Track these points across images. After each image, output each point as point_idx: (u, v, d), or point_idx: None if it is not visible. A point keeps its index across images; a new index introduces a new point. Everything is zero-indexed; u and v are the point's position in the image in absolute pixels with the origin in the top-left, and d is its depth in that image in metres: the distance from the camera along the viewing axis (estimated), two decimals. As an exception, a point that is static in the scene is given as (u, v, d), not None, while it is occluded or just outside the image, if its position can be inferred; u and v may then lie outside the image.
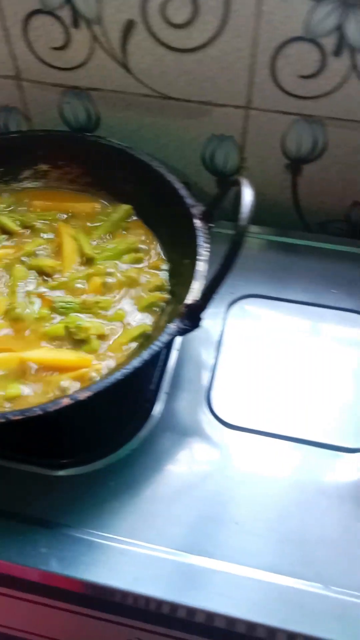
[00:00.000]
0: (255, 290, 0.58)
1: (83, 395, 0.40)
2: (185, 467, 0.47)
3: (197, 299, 0.43)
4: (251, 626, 0.40)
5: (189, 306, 0.43)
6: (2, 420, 0.38)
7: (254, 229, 0.64)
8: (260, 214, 0.65)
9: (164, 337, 0.43)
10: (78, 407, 0.40)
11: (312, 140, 0.58)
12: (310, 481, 0.46)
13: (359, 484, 0.46)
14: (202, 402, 0.51)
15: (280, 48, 0.51)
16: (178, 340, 0.55)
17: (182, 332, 0.44)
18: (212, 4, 0.50)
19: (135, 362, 0.42)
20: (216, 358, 0.53)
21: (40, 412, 0.39)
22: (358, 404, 0.50)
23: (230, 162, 0.62)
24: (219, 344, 0.54)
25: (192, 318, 0.43)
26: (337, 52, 0.50)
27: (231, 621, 0.40)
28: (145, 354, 0.42)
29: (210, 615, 0.40)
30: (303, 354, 0.54)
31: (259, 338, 0.55)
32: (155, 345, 0.42)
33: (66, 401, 0.39)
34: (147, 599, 0.41)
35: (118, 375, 0.41)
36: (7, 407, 0.43)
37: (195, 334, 0.55)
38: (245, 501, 0.45)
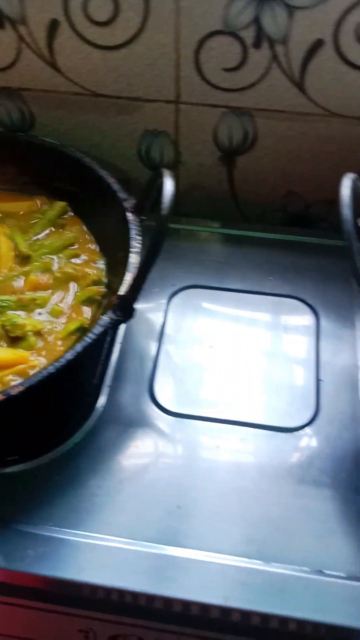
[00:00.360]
0: (195, 281, 0.59)
1: (16, 390, 0.40)
2: (130, 456, 0.48)
3: (128, 290, 0.44)
4: (188, 605, 0.41)
5: (120, 297, 0.44)
6: None
7: (194, 221, 0.66)
8: (199, 207, 0.67)
9: (97, 329, 0.43)
10: (15, 403, 0.41)
11: (243, 132, 0.59)
12: (250, 462, 0.47)
13: (296, 462, 0.47)
14: (144, 392, 0.51)
15: (202, 42, 0.52)
16: (120, 334, 0.55)
17: (115, 323, 0.44)
18: (132, 1, 0.51)
19: (68, 355, 0.42)
20: (158, 349, 0.54)
21: (-28, 410, 0.39)
22: (294, 386, 0.52)
23: (166, 157, 0.63)
24: (161, 335, 0.55)
25: (124, 309, 0.44)
26: (257, 44, 0.52)
27: (168, 602, 0.41)
28: (79, 347, 0.42)
29: (151, 598, 0.41)
30: (242, 340, 0.55)
31: (200, 327, 0.56)
32: (89, 338, 0.43)
33: (-1, 397, 0.40)
34: (95, 588, 0.42)
35: (51, 369, 0.41)
36: None
37: (137, 327, 0.56)
38: (189, 486, 0.46)
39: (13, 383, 0.45)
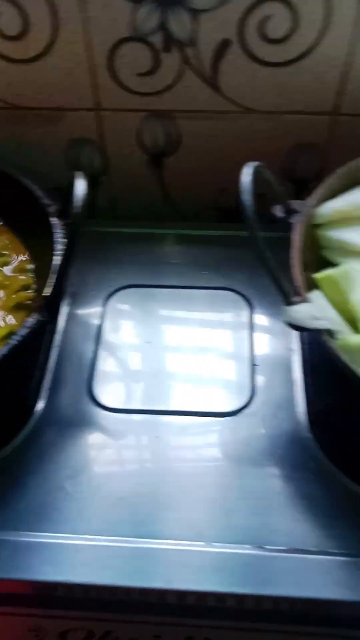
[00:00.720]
0: (132, 281, 0.61)
1: None
2: (71, 456, 0.48)
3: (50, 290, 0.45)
4: (130, 592, 0.41)
5: (42, 298, 0.45)
6: None
7: (130, 223, 0.67)
8: (134, 209, 0.69)
9: (22, 331, 0.44)
10: None
11: (166, 134, 0.61)
12: (189, 448, 0.49)
13: (234, 444, 0.49)
14: (83, 393, 0.52)
15: (114, 49, 0.54)
16: (58, 338, 0.56)
17: (42, 323, 0.45)
18: (40, 15, 0.52)
19: (-6, 359, 0.43)
20: (96, 350, 0.55)
21: None
22: (230, 373, 0.53)
23: (95, 164, 0.64)
24: (98, 336, 0.56)
25: (49, 309, 0.45)
26: (167, 48, 0.54)
27: (113, 591, 0.41)
28: (4, 349, 0.43)
29: (97, 589, 0.42)
30: (178, 333, 0.57)
31: (137, 325, 0.58)
32: (14, 339, 0.44)
33: None
34: (38, 585, 0.42)
35: (-24, 373, 0.42)
36: None
37: (74, 330, 0.57)
38: (129, 477, 0.47)
39: None
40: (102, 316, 0.58)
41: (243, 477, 0.47)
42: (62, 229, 0.51)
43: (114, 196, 0.67)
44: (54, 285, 0.44)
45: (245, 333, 0.56)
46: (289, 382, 0.52)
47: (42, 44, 0.54)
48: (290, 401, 0.51)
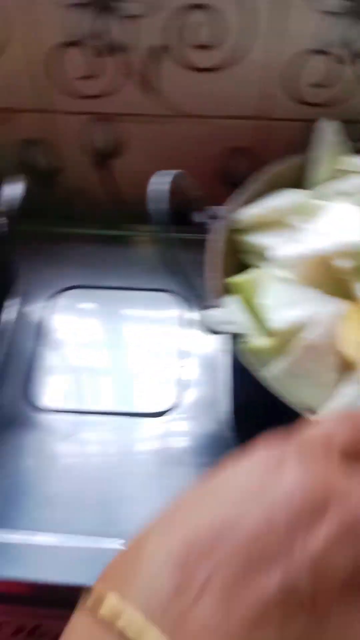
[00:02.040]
0: (76, 282, 0.62)
1: None
2: (3, 454, 0.49)
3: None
4: (54, 588, 0.42)
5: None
6: None
7: (79, 224, 0.67)
8: (83, 211, 0.69)
9: None
10: None
11: (110, 137, 0.62)
12: (116, 449, 0.50)
13: (159, 444, 0.50)
14: (19, 392, 0.53)
15: (52, 52, 0.55)
16: (6, 334, 0.57)
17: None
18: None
19: None
20: (34, 349, 0.56)
21: None
22: (160, 374, 0.54)
23: (49, 165, 0.65)
24: (39, 335, 0.57)
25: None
26: (111, 51, 0.55)
27: (47, 588, 0.42)
28: None
29: (20, 584, 0.43)
30: (115, 335, 0.58)
31: (78, 325, 0.59)
32: None
33: None
34: None
35: None
36: None
37: (18, 329, 0.58)
38: (58, 476, 0.48)
39: None
40: (44, 316, 0.59)
41: (166, 477, 0.48)
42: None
43: (63, 197, 0.68)
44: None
45: (176, 335, 0.57)
46: (216, 382, 0.53)
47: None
48: (216, 401, 0.52)
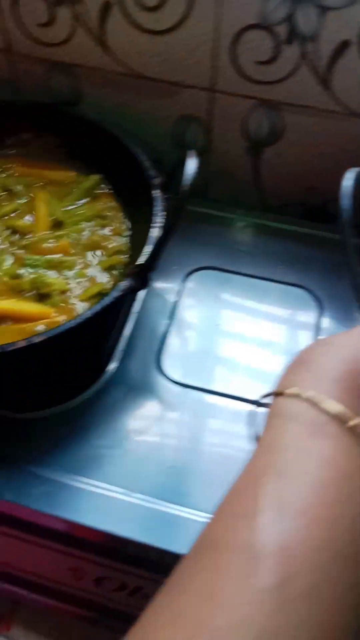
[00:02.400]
0: (211, 263, 0.63)
1: (38, 339, 0.45)
2: (133, 417, 0.52)
3: (145, 260, 0.49)
4: (171, 556, 0.45)
5: (137, 266, 0.49)
6: (-35, 355, 0.44)
7: (219, 206, 0.69)
8: (225, 193, 0.71)
9: (115, 293, 0.48)
10: (35, 351, 0.46)
11: (270, 125, 0.62)
12: (241, 433, 0.51)
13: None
14: (152, 361, 0.56)
15: (240, 34, 0.55)
16: (137, 306, 0.60)
17: (132, 290, 0.49)
18: (179, -10, 0.54)
19: (88, 313, 0.47)
20: (169, 322, 0.59)
21: (-3, 351, 0.45)
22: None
23: (198, 142, 0.66)
24: (173, 311, 0.60)
25: (140, 277, 0.49)
26: (289, 40, 0.54)
27: (153, 551, 0.45)
28: (97, 306, 0.47)
29: (138, 545, 0.46)
30: (247, 321, 0.59)
31: (210, 307, 0.60)
32: (107, 299, 0.48)
33: (21, 343, 0.45)
34: (85, 529, 0.46)
35: (71, 323, 0.47)
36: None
37: (151, 301, 0.60)
38: (184, 449, 0.51)
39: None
40: (180, 292, 0.61)
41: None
42: (163, 202, 0.54)
43: (209, 177, 0.69)
44: (150, 256, 0.48)
45: (310, 334, 0.58)
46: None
47: (174, 18, 0.56)
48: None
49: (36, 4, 0.59)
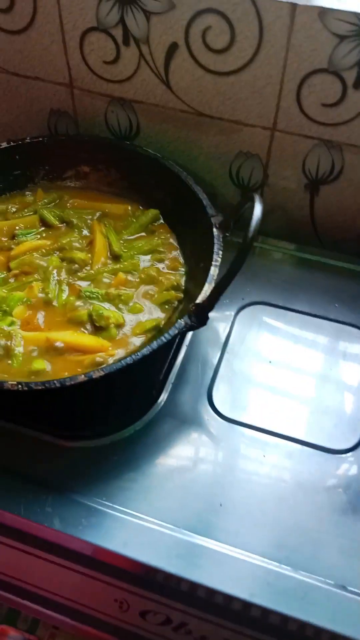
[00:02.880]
0: (264, 298, 0.63)
1: (96, 374, 0.46)
2: (182, 451, 0.52)
3: (205, 299, 0.49)
4: (215, 593, 0.45)
5: (197, 305, 0.49)
6: (25, 388, 0.45)
7: (271, 241, 0.69)
8: (279, 228, 0.70)
9: (173, 331, 0.48)
10: (92, 385, 0.46)
11: (330, 164, 0.62)
12: (292, 475, 0.51)
13: (335, 482, 0.50)
14: (203, 395, 0.56)
15: (306, 78, 0.56)
16: (188, 338, 0.60)
17: (189, 328, 0.49)
18: (247, 34, 0.55)
19: (145, 350, 0.47)
20: (220, 357, 0.58)
21: (58, 385, 0.45)
22: (343, 411, 0.54)
23: (254, 178, 0.67)
24: (225, 344, 0.59)
25: (199, 316, 0.49)
26: (357, 85, 0.55)
27: (197, 587, 0.45)
28: (154, 344, 0.47)
29: (183, 581, 0.45)
30: (300, 360, 0.58)
31: (262, 342, 0.60)
32: (164, 337, 0.48)
33: (81, 378, 0.45)
34: (134, 563, 0.46)
35: (128, 360, 0.47)
36: (32, 379, 0.49)
37: (203, 334, 0.60)
38: (232, 487, 0.50)
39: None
40: (231, 326, 0.60)
41: (338, 515, 0.48)
42: (221, 241, 0.54)
43: (263, 211, 0.69)
44: (210, 296, 0.48)
45: (366, 374, 0.57)
46: None
47: (241, 61, 0.57)
48: None
49: (105, 43, 0.61)
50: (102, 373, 0.46)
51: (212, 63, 0.58)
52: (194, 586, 0.46)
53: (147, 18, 0.57)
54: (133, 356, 0.47)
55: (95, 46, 0.61)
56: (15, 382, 0.45)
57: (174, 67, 0.60)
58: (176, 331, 0.48)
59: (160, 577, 0.47)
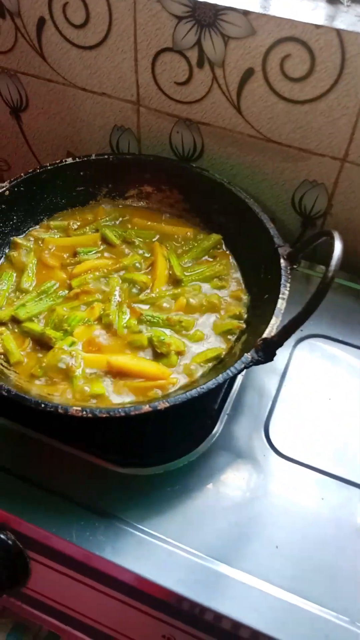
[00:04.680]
0: (323, 331, 0.61)
1: (162, 406, 0.44)
2: (237, 486, 0.51)
3: (274, 334, 0.47)
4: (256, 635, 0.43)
5: (265, 340, 0.47)
6: (90, 415, 0.44)
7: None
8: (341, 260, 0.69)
9: (239, 365, 0.47)
10: (154, 415, 0.45)
11: None
12: (349, 520, 0.49)
13: None
14: (259, 429, 0.54)
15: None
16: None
17: (256, 363, 0.48)
18: (328, 64, 0.54)
19: (210, 384, 0.46)
20: (278, 389, 0.57)
21: (122, 414, 0.44)
22: None
23: (317, 206, 0.65)
24: (283, 376, 0.58)
25: (267, 352, 0.47)
26: None
27: (255, 633, 0.43)
28: (220, 378, 0.46)
29: (238, 625, 0.44)
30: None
31: (321, 377, 0.58)
32: (230, 371, 0.47)
33: (146, 408, 0.44)
34: (187, 601, 0.45)
35: (194, 392, 0.45)
36: (92, 402, 0.49)
37: (260, 366, 0.59)
38: (286, 527, 0.49)
39: (156, 395, 0.50)
40: (289, 358, 0.59)
41: None
42: (289, 273, 0.53)
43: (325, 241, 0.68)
44: (282, 332, 0.46)
45: None
46: None
47: (318, 91, 0.55)
48: None
49: (178, 64, 0.60)
50: (167, 405, 0.45)
51: (288, 91, 0.57)
52: (242, 628, 0.44)
53: (225, 42, 0.56)
54: (199, 389, 0.45)
55: (168, 66, 0.61)
56: (79, 408, 0.44)
57: (247, 92, 0.59)
58: (242, 365, 0.47)
59: (212, 618, 0.45)
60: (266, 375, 0.58)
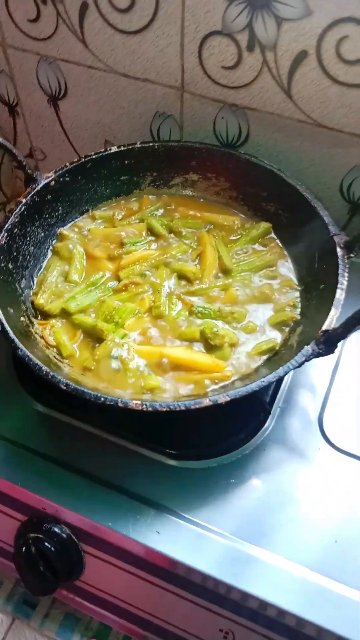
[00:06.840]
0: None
1: (223, 399, 0.44)
2: (293, 481, 0.50)
3: (337, 326, 0.46)
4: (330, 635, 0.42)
5: (326, 332, 0.46)
6: (150, 409, 0.43)
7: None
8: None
9: (300, 358, 0.46)
10: (212, 409, 0.44)
11: None
12: None
13: None
14: (314, 422, 0.53)
15: None
16: (295, 358, 0.57)
17: (317, 355, 0.46)
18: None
19: (272, 377, 0.45)
20: (331, 381, 0.55)
21: (183, 408, 0.43)
22: None
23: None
24: (335, 369, 0.56)
25: (328, 344, 0.46)
26: None
27: (317, 629, 0.43)
28: (281, 371, 0.45)
29: (298, 620, 0.43)
30: None
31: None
32: (291, 364, 0.45)
33: (207, 402, 0.43)
34: (246, 595, 0.45)
35: (254, 386, 0.44)
36: (147, 396, 0.48)
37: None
38: (346, 523, 0.48)
39: (211, 388, 0.49)
40: (341, 350, 0.58)
41: None
42: (346, 263, 0.51)
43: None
44: (346, 325, 0.45)
45: None
46: None
47: (376, 73, 0.54)
48: None
49: (226, 47, 0.58)
50: (228, 398, 0.44)
51: (343, 74, 0.55)
52: (302, 623, 0.43)
53: (278, 24, 0.54)
54: (259, 382, 0.44)
55: (216, 50, 0.59)
56: (139, 402, 0.43)
57: (298, 75, 0.57)
58: (303, 358, 0.46)
59: (272, 612, 0.45)
60: (318, 367, 0.57)
